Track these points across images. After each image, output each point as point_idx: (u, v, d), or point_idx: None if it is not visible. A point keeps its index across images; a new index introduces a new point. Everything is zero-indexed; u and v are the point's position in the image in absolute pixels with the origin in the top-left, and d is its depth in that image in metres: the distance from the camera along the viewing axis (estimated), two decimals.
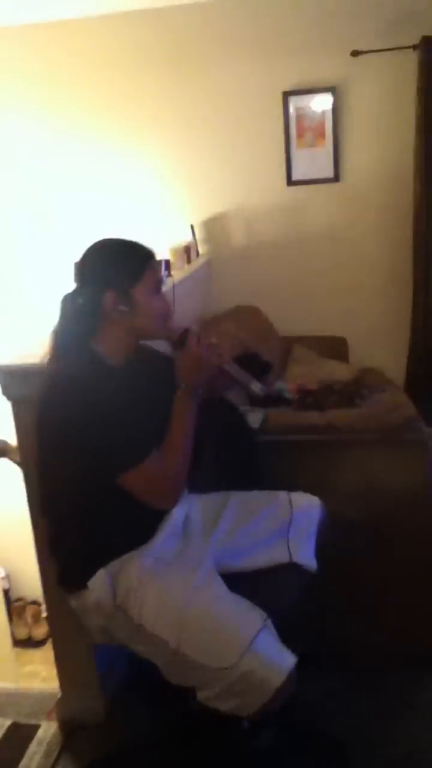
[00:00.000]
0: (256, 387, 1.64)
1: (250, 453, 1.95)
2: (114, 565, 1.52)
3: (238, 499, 1.78)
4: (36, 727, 2.03)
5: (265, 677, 1.38)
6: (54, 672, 2.04)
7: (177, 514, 1.64)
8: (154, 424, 1.52)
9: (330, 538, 1.77)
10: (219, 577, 1.56)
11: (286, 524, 1.73)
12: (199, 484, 1.78)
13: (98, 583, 1.51)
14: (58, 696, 2.06)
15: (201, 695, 1.44)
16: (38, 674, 2.28)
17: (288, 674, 1.40)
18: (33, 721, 2.05)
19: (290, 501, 1.77)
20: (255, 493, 1.81)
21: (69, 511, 1.55)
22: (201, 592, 1.49)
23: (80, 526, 1.55)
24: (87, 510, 1.52)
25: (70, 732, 1.99)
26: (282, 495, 1.79)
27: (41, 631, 2.46)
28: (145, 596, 1.48)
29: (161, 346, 1.70)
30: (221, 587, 1.53)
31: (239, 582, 1.59)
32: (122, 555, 1.53)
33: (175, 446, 1.52)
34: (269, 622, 1.48)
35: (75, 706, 2.02)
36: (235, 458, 1.90)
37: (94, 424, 1.41)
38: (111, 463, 1.44)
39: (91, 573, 1.51)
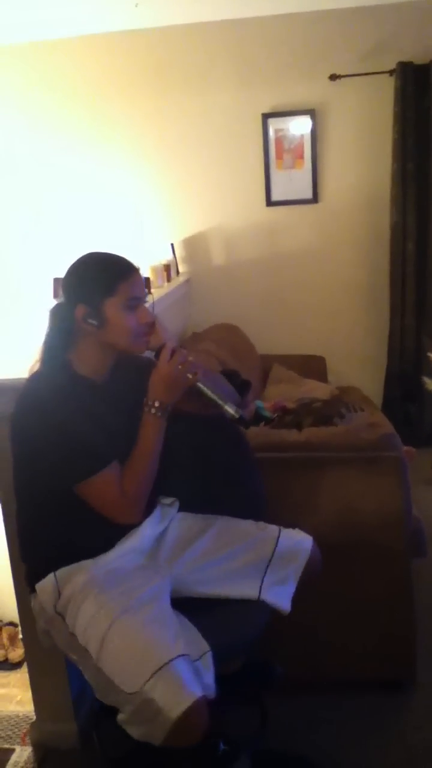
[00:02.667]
0: (231, 409, 1.57)
1: (249, 472, 1.90)
2: (63, 570, 1.52)
3: (222, 525, 1.73)
4: (10, 751, 1.99)
5: (164, 707, 1.29)
6: (30, 695, 2.01)
7: (148, 530, 1.62)
8: (123, 439, 1.51)
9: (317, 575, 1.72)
10: (166, 600, 1.51)
11: (266, 560, 1.66)
12: (184, 502, 1.77)
13: (44, 586, 1.52)
14: (33, 720, 2.02)
15: (119, 717, 1.40)
16: (13, 697, 2.23)
17: (188, 707, 1.28)
18: (7, 746, 2.01)
19: (278, 537, 1.69)
20: (243, 523, 1.74)
21: (31, 516, 1.57)
22: (135, 610, 1.43)
23: (41, 532, 1.56)
24: (47, 516, 1.54)
25: (44, 757, 1.95)
26: (271, 529, 1.72)
27: (18, 653, 2.41)
28: (82, 606, 1.46)
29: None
30: (162, 609, 1.47)
31: (200, 607, 1.57)
32: (74, 562, 1.52)
33: (136, 464, 1.51)
34: (208, 655, 1.42)
35: (49, 730, 1.98)
36: (228, 477, 1.86)
37: (53, 429, 1.42)
38: (66, 471, 1.45)
39: (43, 576, 1.53)
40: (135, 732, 1.37)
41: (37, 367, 1.55)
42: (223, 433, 1.83)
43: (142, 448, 1.52)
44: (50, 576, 1.52)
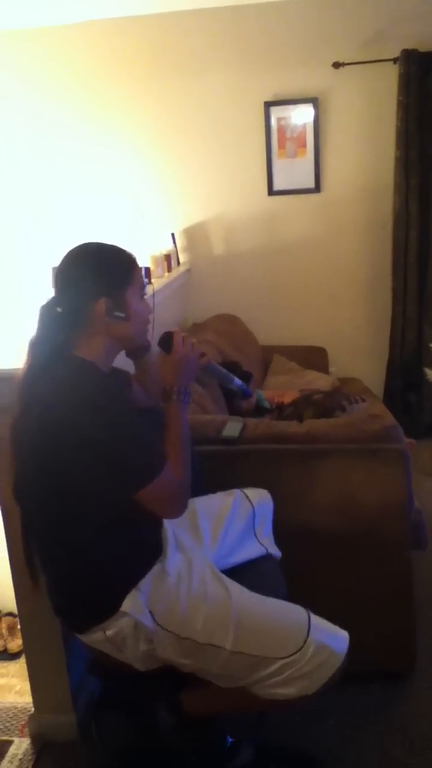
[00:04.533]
0: (236, 384, 1.72)
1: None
2: (142, 584, 1.46)
3: (202, 505, 1.75)
4: (8, 743, 1.98)
5: (331, 650, 1.42)
6: (28, 686, 2.01)
7: (167, 527, 1.61)
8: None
9: (302, 544, 1.84)
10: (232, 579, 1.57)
11: (251, 519, 1.78)
12: None
13: (132, 606, 1.43)
14: (31, 711, 2.02)
15: (260, 690, 1.44)
16: (12, 687, 2.23)
17: (348, 639, 1.46)
18: (5, 737, 2.01)
19: (247, 496, 1.82)
20: (213, 496, 1.81)
21: (80, 539, 1.42)
22: (239, 592, 1.49)
23: (96, 553, 1.44)
24: (98, 533, 1.41)
25: (43, 749, 1.95)
26: (237, 492, 1.82)
27: (17, 643, 2.41)
28: (185, 610, 1.44)
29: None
30: (242, 587, 1.53)
31: (239, 580, 1.58)
32: (146, 572, 1.48)
33: (178, 452, 1.46)
34: None
35: (48, 722, 1.97)
36: None
37: (114, 437, 1.31)
38: (132, 477, 1.34)
39: (121, 599, 1.43)
40: (289, 691, 1.42)
41: (24, 373, 1.40)
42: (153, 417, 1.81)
43: (178, 435, 1.48)
44: (133, 594, 1.44)
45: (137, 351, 1.64)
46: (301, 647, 1.40)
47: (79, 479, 1.32)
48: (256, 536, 1.79)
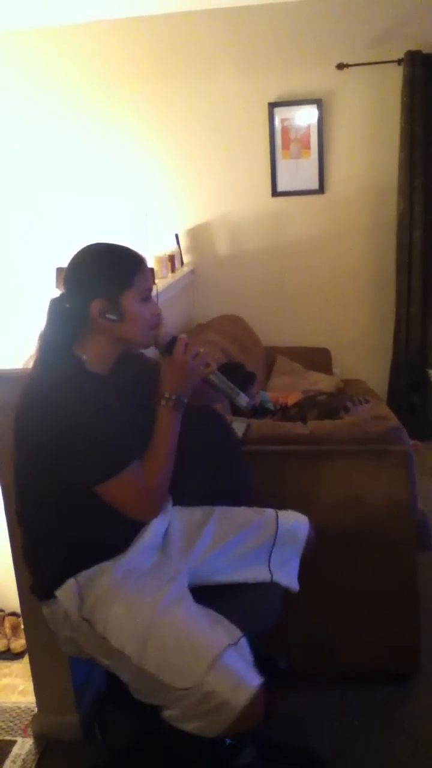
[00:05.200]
0: (242, 400, 1.61)
1: (237, 464, 1.91)
2: (84, 575, 1.48)
3: (221, 514, 1.72)
4: (12, 743, 1.98)
5: (228, 698, 1.32)
6: (32, 685, 2.01)
7: (157, 527, 1.59)
8: (138, 433, 1.49)
9: (313, 552, 1.76)
10: (190, 595, 1.52)
11: (270, 543, 1.68)
12: (185, 496, 1.75)
13: (66, 593, 1.47)
14: (35, 711, 2.02)
15: (166, 714, 1.40)
16: (16, 687, 2.23)
17: (253, 695, 1.33)
18: (9, 737, 2.00)
19: (277, 519, 1.72)
20: (240, 509, 1.75)
21: (42, 519, 1.51)
22: (168, 608, 1.44)
23: (53, 535, 1.50)
24: (61, 518, 1.48)
25: (46, 748, 1.95)
26: (269, 512, 1.74)
27: (20, 643, 2.41)
28: (112, 609, 1.44)
29: (150, 351, 1.67)
30: (191, 605, 1.49)
31: (220, 595, 1.56)
32: (94, 565, 1.49)
33: (157, 456, 1.48)
34: (243, 641, 1.43)
35: (51, 721, 1.97)
36: (220, 469, 1.86)
37: (72, 431, 1.37)
38: (88, 472, 1.40)
39: (61, 582, 1.47)
40: (189, 726, 1.37)
41: (32, 363, 1.48)
42: (212, 426, 1.82)
43: (161, 441, 1.50)
44: (70, 581, 1.47)
45: (161, 352, 1.60)
46: (195, 685, 1.33)
47: (38, 465, 1.43)
48: (269, 562, 1.68)
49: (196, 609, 1.48)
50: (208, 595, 1.55)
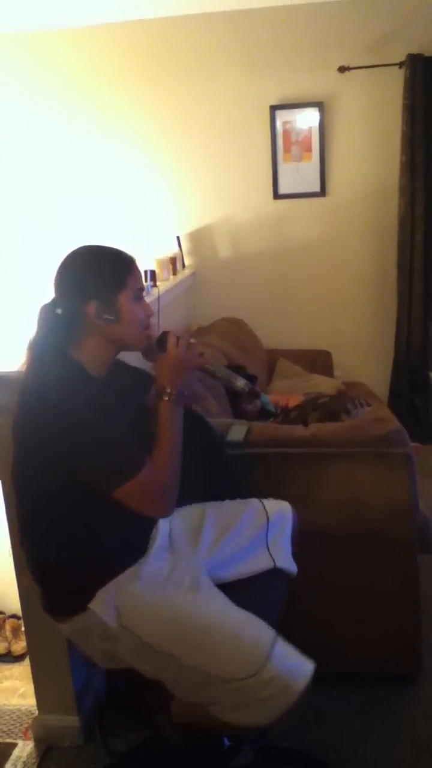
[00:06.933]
0: (240, 383, 1.65)
1: (222, 464, 1.91)
2: (114, 583, 1.45)
3: (214, 509, 1.74)
4: (12, 746, 1.98)
5: (289, 682, 1.37)
6: (33, 688, 2.00)
7: (162, 527, 1.60)
8: (140, 431, 1.48)
9: (309, 548, 1.77)
10: (218, 589, 1.53)
11: (264, 530, 1.72)
12: (184, 496, 1.76)
13: (100, 604, 1.43)
14: (35, 714, 2.01)
15: (215, 709, 1.40)
16: (16, 690, 2.22)
17: (310, 674, 1.40)
18: (9, 740, 2.00)
19: (264, 507, 1.76)
20: (229, 503, 1.78)
21: (59, 531, 1.46)
22: (208, 604, 1.46)
23: (74, 546, 1.46)
24: (80, 528, 1.44)
25: (46, 751, 1.94)
26: (254, 502, 1.77)
27: (21, 645, 2.40)
28: (150, 613, 1.43)
29: (132, 359, 1.67)
30: (225, 599, 1.50)
31: (230, 591, 1.56)
32: (121, 572, 1.47)
33: (166, 452, 1.47)
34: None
35: (51, 724, 1.97)
36: (208, 470, 1.86)
37: (88, 438, 1.35)
38: (108, 477, 1.38)
39: (91, 594, 1.43)
40: (239, 717, 1.38)
41: (25, 371, 1.45)
42: (194, 427, 1.81)
43: (167, 437, 1.48)
44: (101, 592, 1.43)
45: (150, 352, 1.62)
46: (257, 672, 1.35)
47: (50, 475, 1.39)
48: (268, 549, 1.72)
49: (229, 603, 1.49)
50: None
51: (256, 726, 1.39)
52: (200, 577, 1.53)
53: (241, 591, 1.59)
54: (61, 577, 1.49)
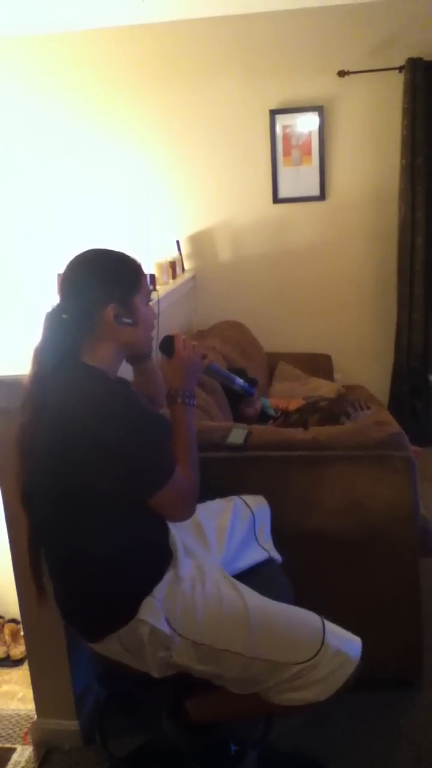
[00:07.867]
0: (237, 384, 1.77)
1: None
2: (159, 589, 1.44)
3: (204, 511, 1.73)
4: (11, 751, 1.97)
5: (345, 657, 1.42)
6: (32, 692, 1.99)
7: (173, 531, 1.60)
8: None
9: (310, 551, 1.83)
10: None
11: (251, 524, 1.78)
12: None
13: (151, 611, 1.41)
14: (34, 718, 2.00)
15: (275, 695, 1.43)
16: (15, 694, 2.22)
17: (361, 645, 1.46)
18: (8, 745, 1.99)
19: (246, 502, 1.81)
20: (210, 503, 1.79)
21: (92, 545, 1.41)
22: (251, 596, 1.48)
23: (110, 559, 1.42)
24: (116, 539, 1.40)
25: (46, 756, 1.93)
26: (236, 499, 1.82)
27: (20, 649, 2.39)
28: (201, 615, 1.43)
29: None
30: (254, 591, 1.52)
31: (246, 584, 1.57)
32: (161, 578, 1.46)
33: (187, 454, 1.48)
34: None
35: (51, 728, 1.96)
36: None
37: (126, 442, 1.32)
38: (145, 481, 1.37)
39: (136, 605, 1.41)
40: (304, 695, 1.42)
41: (32, 380, 1.40)
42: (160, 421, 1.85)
43: (185, 438, 1.49)
44: (149, 600, 1.42)
45: (139, 357, 1.62)
46: (318, 652, 1.40)
47: (92, 483, 1.33)
48: (257, 541, 1.79)
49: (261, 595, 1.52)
50: None
51: (315, 702, 1.42)
52: (227, 574, 1.56)
53: (255, 582, 1.60)
54: (100, 595, 1.45)
